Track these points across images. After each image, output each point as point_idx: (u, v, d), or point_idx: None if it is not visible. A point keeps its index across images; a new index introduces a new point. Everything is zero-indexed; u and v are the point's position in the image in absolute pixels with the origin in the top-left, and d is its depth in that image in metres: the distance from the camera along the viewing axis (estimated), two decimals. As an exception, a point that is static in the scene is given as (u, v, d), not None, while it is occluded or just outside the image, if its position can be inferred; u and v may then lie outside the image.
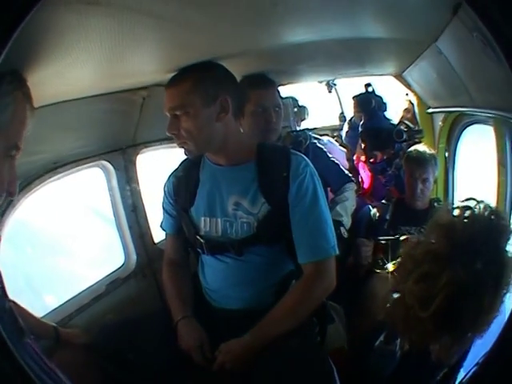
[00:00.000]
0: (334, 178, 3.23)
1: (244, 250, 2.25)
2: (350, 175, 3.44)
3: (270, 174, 2.24)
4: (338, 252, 2.25)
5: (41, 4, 1.16)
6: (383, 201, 3.81)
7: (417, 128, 4.32)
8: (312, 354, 2.11)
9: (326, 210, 2.28)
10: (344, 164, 4.08)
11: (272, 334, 2.09)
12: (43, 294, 3.28)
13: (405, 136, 4.01)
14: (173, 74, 2.22)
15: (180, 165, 2.54)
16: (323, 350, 2.34)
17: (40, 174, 2.58)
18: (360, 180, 4.59)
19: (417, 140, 4.09)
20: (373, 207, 3.79)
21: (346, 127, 5.60)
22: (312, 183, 2.23)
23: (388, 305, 2.02)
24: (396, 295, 1.85)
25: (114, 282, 3.04)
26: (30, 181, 2.51)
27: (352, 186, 3.37)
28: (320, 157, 3.18)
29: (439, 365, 1.76)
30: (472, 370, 1.34)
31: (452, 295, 1.55)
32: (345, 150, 4.84)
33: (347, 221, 3.14)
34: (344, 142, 5.59)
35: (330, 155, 3.37)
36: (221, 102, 2.18)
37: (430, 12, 2.16)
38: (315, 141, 3.41)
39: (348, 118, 5.83)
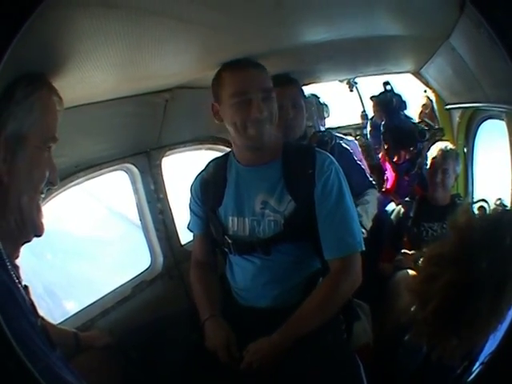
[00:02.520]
0: (357, 181, 3.20)
1: (271, 249, 2.30)
2: (374, 182, 3.52)
3: (295, 172, 2.30)
4: (364, 248, 2.31)
5: (58, 8, 1.23)
6: (407, 198, 3.91)
7: (438, 126, 4.45)
8: (339, 351, 2.16)
9: (352, 206, 2.34)
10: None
11: (300, 332, 2.13)
12: (63, 301, 3.30)
13: (428, 135, 4.15)
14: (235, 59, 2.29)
15: (207, 166, 2.60)
16: (350, 346, 2.38)
17: (61, 178, 2.45)
18: (385, 178, 4.70)
19: (438, 138, 4.23)
20: (396, 204, 3.91)
21: (369, 127, 5.69)
22: (337, 180, 2.29)
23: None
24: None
25: (140, 285, 3.08)
26: None
27: (374, 192, 3.44)
28: (345, 158, 3.20)
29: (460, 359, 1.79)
30: (477, 370, 1.40)
31: (449, 298, 1.64)
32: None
33: (367, 222, 3.18)
34: (369, 140, 5.67)
35: (356, 158, 3.43)
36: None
37: (441, 9, 2.27)
38: (340, 141, 3.47)
39: (370, 117, 5.92)
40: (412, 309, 1.88)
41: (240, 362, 2.13)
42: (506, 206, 1.78)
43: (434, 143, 3.96)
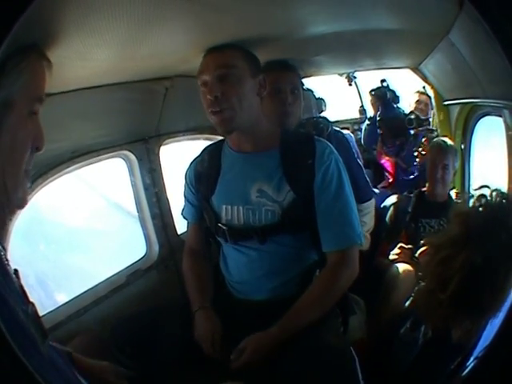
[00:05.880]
0: (360, 185, 3.16)
1: (267, 238, 2.29)
2: (373, 189, 3.54)
3: (294, 161, 2.28)
4: (363, 241, 2.36)
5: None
6: (405, 193, 3.99)
7: (424, 117, 4.82)
8: (336, 343, 2.13)
9: (352, 197, 2.34)
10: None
11: (300, 325, 2.13)
12: (55, 292, 3.23)
13: (414, 123, 4.65)
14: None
15: (201, 152, 2.60)
16: (346, 339, 2.36)
17: (57, 164, 2.58)
18: (385, 173, 5.09)
19: (424, 127, 4.69)
20: (395, 198, 3.98)
21: (365, 125, 5.82)
22: (337, 170, 2.29)
23: (412, 294, 2.17)
24: (420, 283, 2.02)
25: (134, 273, 3.09)
26: (45, 170, 2.50)
27: (373, 205, 3.42)
28: (343, 147, 3.08)
29: (455, 353, 1.79)
30: (472, 365, 1.44)
31: (468, 276, 1.70)
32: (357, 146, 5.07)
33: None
34: (365, 138, 5.81)
35: (354, 150, 3.42)
36: (261, 78, 2.32)
37: (440, 5, 2.31)
38: (336, 132, 3.43)
39: (366, 113, 6.40)
40: (424, 294, 1.94)
41: (224, 355, 2.15)
42: (505, 194, 1.86)
43: (425, 135, 4.50)
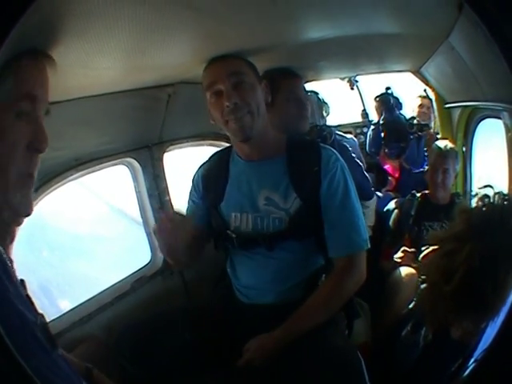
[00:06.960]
0: (362, 186, 3.16)
1: (275, 245, 2.31)
2: (374, 190, 3.58)
3: (300, 169, 2.30)
4: (369, 246, 2.34)
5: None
6: (408, 196, 4.00)
7: (425, 123, 5.21)
8: (344, 345, 2.15)
9: (358, 203, 2.35)
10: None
11: (304, 328, 2.15)
12: (59, 300, 3.22)
13: (415, 128, 5.02)
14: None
15: (209, 159, 2.61)
16: (352, 342, 2.39)
17: (60, 172, 2.58)
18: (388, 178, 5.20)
19: (425, 131, 5.03)
20: (398, 202, 4.00)
21: (370, 131, 5.88)
22: (343, 177, 2.30)
23: (415, 297, 2.18)
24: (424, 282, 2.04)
25: (140, 280, 3.10)
26: (48, 178, 2.51)
27: (374, 203, 3.47)
28: (344, 155, 2.79)
29: (455, 355, 1.80)
30: (471, 367, 1.41)
31: (472, 269, 1.71)
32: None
33: None
34: (370, 143, 5.88)
35: (354, 155, 3.38)
36: (263, 85, 2.37)
37: (440, 8, 2.33)
38: (340, 138, 3.48)
39: (369, 116, 6.67)
40: (428, 289, 1.97)
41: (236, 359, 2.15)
42: (506, 195, 1.88)
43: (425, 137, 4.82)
